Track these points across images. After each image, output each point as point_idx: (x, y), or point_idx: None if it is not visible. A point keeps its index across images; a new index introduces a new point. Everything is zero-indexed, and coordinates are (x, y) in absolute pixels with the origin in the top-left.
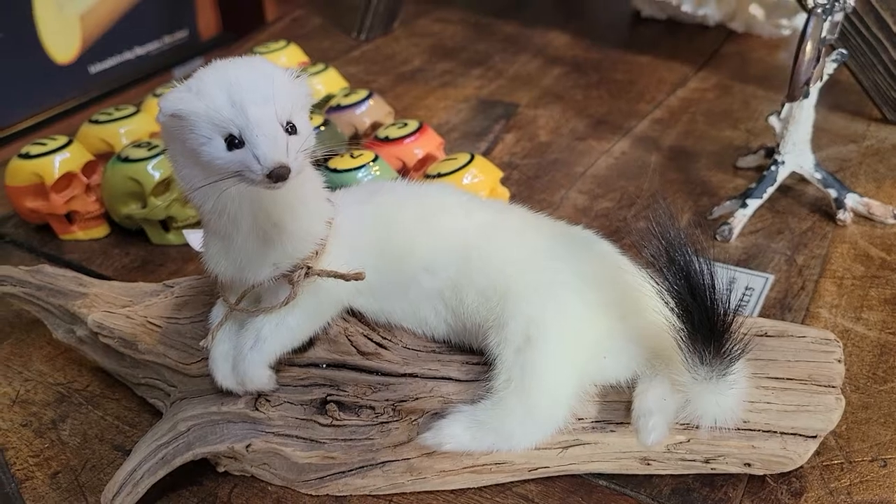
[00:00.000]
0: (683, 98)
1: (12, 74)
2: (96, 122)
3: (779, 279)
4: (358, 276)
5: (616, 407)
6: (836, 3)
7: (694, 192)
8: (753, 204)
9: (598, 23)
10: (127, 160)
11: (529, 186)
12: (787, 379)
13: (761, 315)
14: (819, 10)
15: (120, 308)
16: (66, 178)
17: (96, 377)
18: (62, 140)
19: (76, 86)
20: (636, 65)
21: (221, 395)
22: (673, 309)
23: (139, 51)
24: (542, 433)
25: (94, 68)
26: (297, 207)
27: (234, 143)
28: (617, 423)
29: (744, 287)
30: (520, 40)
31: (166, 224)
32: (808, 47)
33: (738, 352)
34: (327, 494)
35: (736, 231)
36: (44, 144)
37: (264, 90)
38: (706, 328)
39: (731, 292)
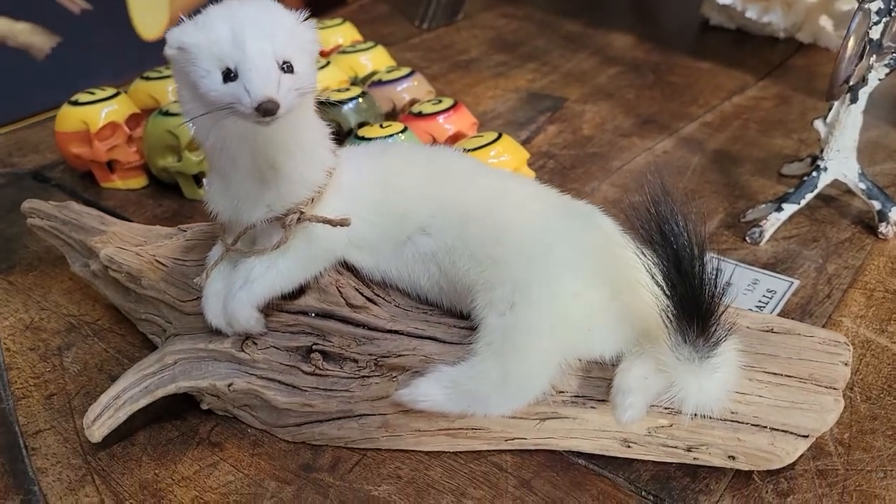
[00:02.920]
0: (738, 105)
1: (99, 47)
2: (147, 78)
3: (804, 285)
4: (344, 222)
5: (598, 384)
6: None
7: (731, 195)
8: (789, 209)
9: (664, 28)
10: (167, 114)
11: (562, 176)
12: (785, 375)
13: None
14: (867, 6)
15: (133, 246)
16: (110, 128)
17: (107, 312)
18: (111, 91)
19: (159, 62)
20: (696, 70)
21: (211, 334)
22: (659, 283)
23: None
24: (517, 401)
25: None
26: (295, 151)
27: (229, 76)
28: (598, 400)
29: (765, 289)
30: (581, 39)
31: (199, 179)
32: (850, 42)
33: (724, 335)
34: (303, 442)
35: (767, 234)
36: (93, 94)
37: (265, 27)
38: (690, 305)
39: (720, 275)
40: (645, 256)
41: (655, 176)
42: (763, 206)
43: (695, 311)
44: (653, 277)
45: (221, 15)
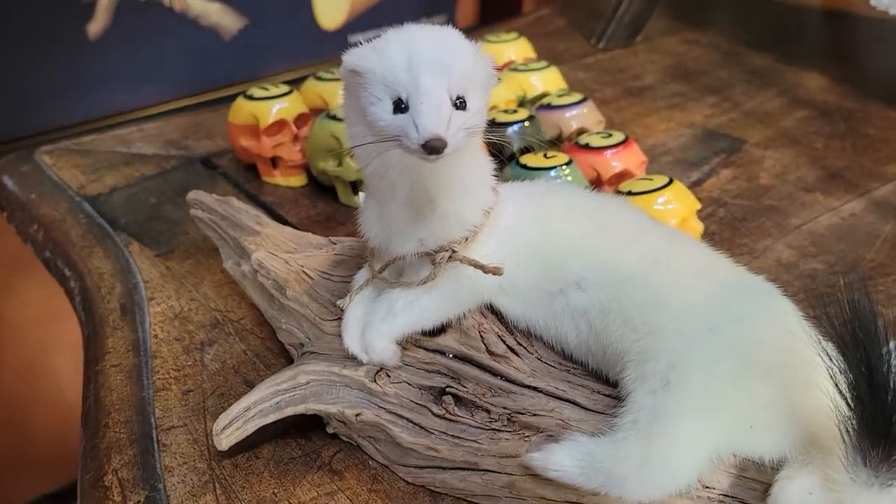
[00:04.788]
0: None
1: (281, 32)
2: (320, 78)
3: None
4: (497, 271)
5: (753, 486)
6: None
7: None
8: None
9: (865, 71)
10: (334, 118)
11: (732, 228)
12: None
13: None
14: None
15: (283, 252)
16: (279, 125)
17: (251, 312)
18: (284, 89)
19: (335, 52)
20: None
21: (346, 359)
22: (843, 393)
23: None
24: (656, 489)
25: (354, 39)
26: (455, 188)
27: (400, 106)
28: None
29: None
30: (769, 75)
31: (356, 186)
32: None
33: None
34: (423, 486)
35: None
36: (266, 90)
37: (443, 60)
38: (878, 424)
39: None
40: (829, 355)
41: (854, 270)
42: None
43: (883, 431)
44: (836, 383)
45: (400, 41)
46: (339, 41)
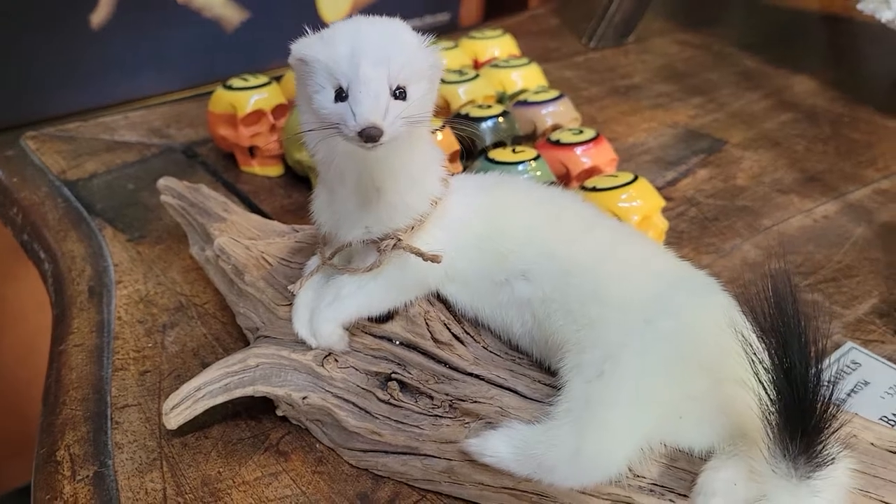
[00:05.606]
0: None
1: (283, 25)
2: None
3: None
4: (435, 259)
5: (683, 476)
6: None
7: (893, 278)
8: None
9: (855, 76)
10: None
11: (702, 227)
12: None
13: None
14: None
15: (246, 239)
16: (256, 115)
17: (215, 297)
18: (263, 80)
19: None
20: (882, 128)
21: (296, 343)
22: (765, 386)
23: None
24: (586, 477)
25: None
26: (402, 177)
27: (341, 95)
28: (678, 494)
29: None
30: (758, 77)
31: None
32: None
33: (833, 456)
34: (367, 469)
35: None
36: (246, 80)
37: (384, 51)
38: (796, 418)
39: (836, 386)
40: (752, 350)
41: (782, 260)
42: None
43: (800, 425)
44: (757, 376)
45: (345, 32)
46: None
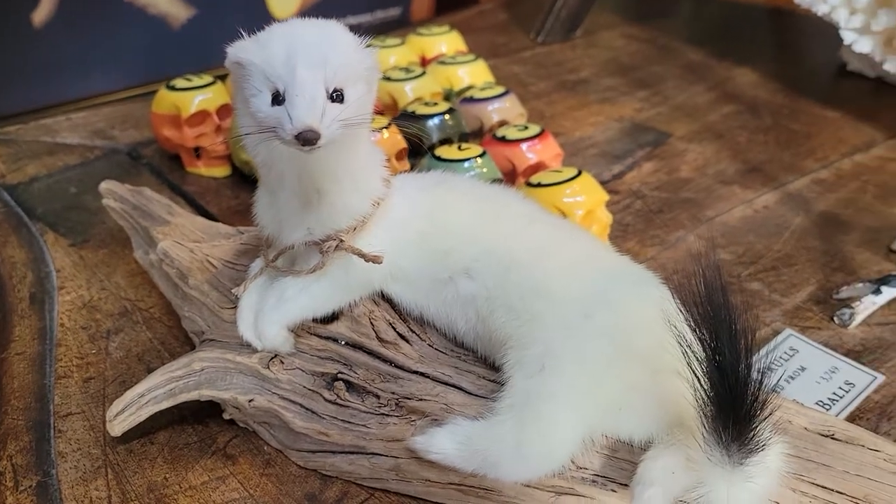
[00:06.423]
0: (859, 164)
1: (232, 22)
2: None
3: (890, 382)
4: (376, 259)
5: (624, 466)
6: None
7: (829, 266)
8: (889, 293)
9: (795, 67)
10: None
11: (647, 220)
12: (836, 492)
13: (852, 417)
14: None
15: (190, 242)
16: (201, 115)
17: (160, 301)
18: (207, 80)
19: None
20: (820, 118)
21: (242, 346)
22: (698, 376)
23: (351, 20)
24: (530, 471)
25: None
26: (343, 179)
27: (277, 98)
28: (620, 484)
29: (843, 380)
30: (702, 70)
31: None
32: None
33: (765, 443)
34: (315, 470)
35: (858, 318)
36: (190, 80)
37: (320, 53)
38: (727, 407)
39: (766, 375)
40: (686, 342)
41: (713, 254)
42: (861, 284)
43: (732, 413)
44: (691, 367)
45: (280, 34)
46: None
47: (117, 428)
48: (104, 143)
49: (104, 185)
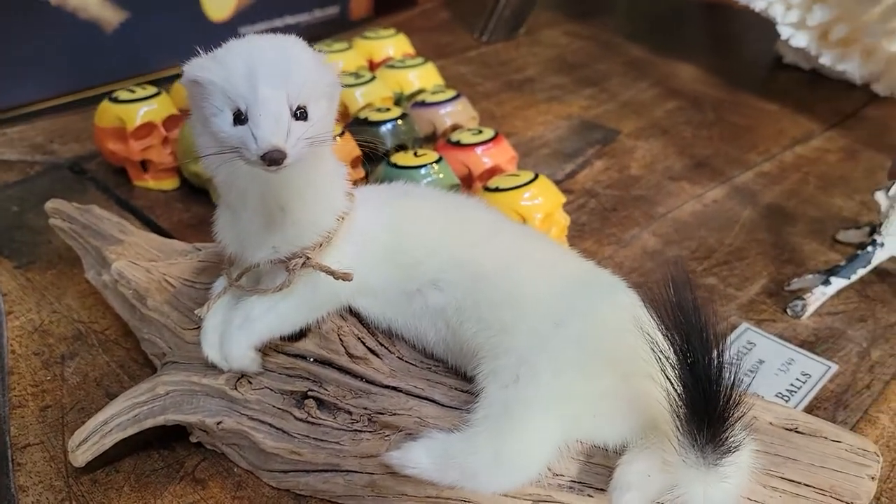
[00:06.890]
0: (800, 155)
1: (166, 25)
2: None
3: (843, 371)
4: (346, 277)
5: (600, 471)
6: None
7: (779, 258)
8: (837, 283)
9: (734, 61)
10: None
11: (602, 218)
12: (804, 484)
13: (810, 407)
14: None
15: (146, 261)
16: (147, 128)
17: (115, 323)
18: (151, 91)
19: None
20: (760, 111)
21: (207, 368)
22: (670, 379)
23: (289, 20)
24: (508, 481)
25: (245, 30)
26: (307, 195)
27: (240, 118)
28: (596, 489)
29: (800, 371)
30: (645, 66)
31: None
32: None
33: (738, 443)
34: (288, 490)
35: (810, 309)
36: (133, 92)
37: (282, 71)
38: (701, 410)
39: (737, 375)
40: (658, 347)
41: (679, 261)
42: (810, 276)
43: (706, 416)
44: (664, 372)
45: (240, 52)
46: (228, 33)
47: (80, 458)
48: (44, 157)
49: (50, 205)
